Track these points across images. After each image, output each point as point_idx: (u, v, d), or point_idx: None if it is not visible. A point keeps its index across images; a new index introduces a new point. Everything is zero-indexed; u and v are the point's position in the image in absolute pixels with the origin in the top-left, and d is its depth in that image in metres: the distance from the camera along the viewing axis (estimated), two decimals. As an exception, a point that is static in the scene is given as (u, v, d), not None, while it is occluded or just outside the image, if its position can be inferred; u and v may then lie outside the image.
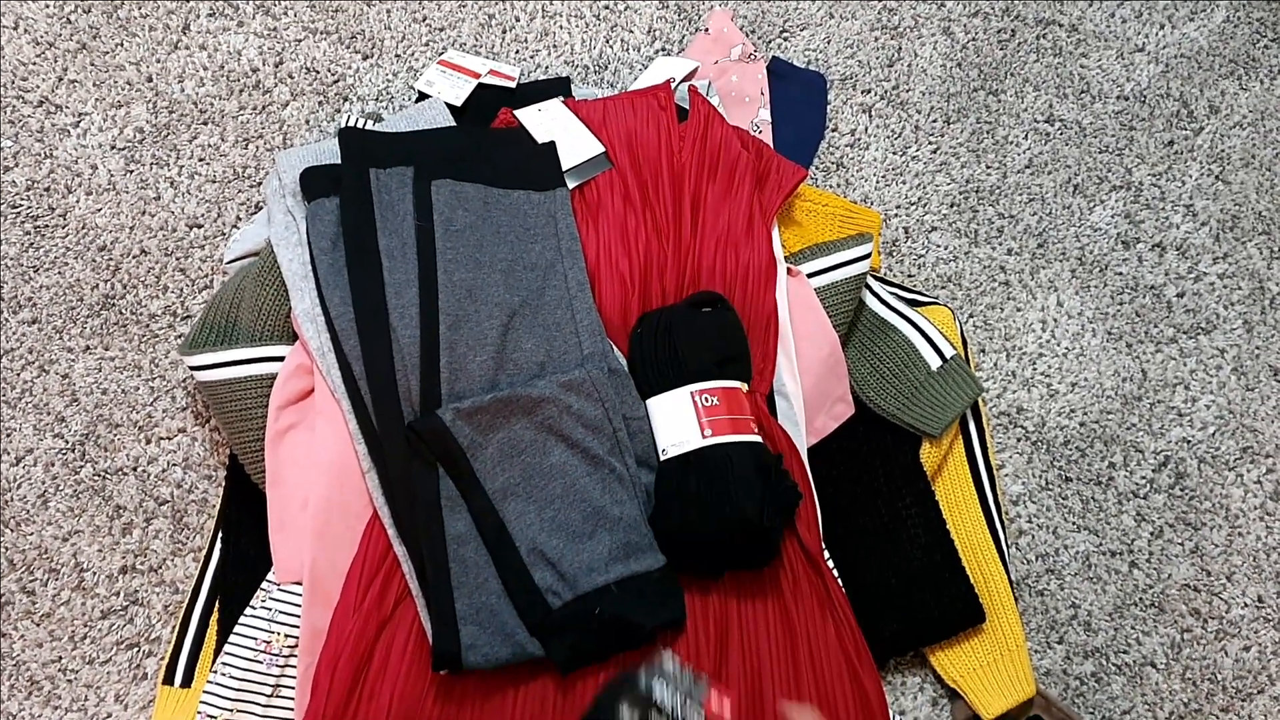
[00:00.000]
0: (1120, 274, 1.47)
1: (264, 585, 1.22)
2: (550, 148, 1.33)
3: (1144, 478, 1.38)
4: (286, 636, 1.19)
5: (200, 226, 1.42)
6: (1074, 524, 1.36)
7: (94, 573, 1.29)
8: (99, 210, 1.42)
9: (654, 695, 0.96)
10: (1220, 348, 1.44)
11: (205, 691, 1.18)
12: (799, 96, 1.51)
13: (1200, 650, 1.32)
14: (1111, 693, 1.30)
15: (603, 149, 1.34)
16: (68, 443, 1.33)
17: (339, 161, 1.30)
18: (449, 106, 1.43)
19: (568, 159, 1.33)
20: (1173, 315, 1.45)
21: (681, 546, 1.16)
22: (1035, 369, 1.42)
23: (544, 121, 1.36)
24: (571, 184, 1.32)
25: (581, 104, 1.39)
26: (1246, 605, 1.33)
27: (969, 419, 1.35)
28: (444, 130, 1.37)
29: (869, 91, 1.55)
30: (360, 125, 1.40)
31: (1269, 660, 1.31)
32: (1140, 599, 1.33)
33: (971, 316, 1.44)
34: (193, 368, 1.25)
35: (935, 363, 1.30)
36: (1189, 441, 1.40)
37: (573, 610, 1.12)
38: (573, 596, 1.13)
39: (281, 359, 1.25)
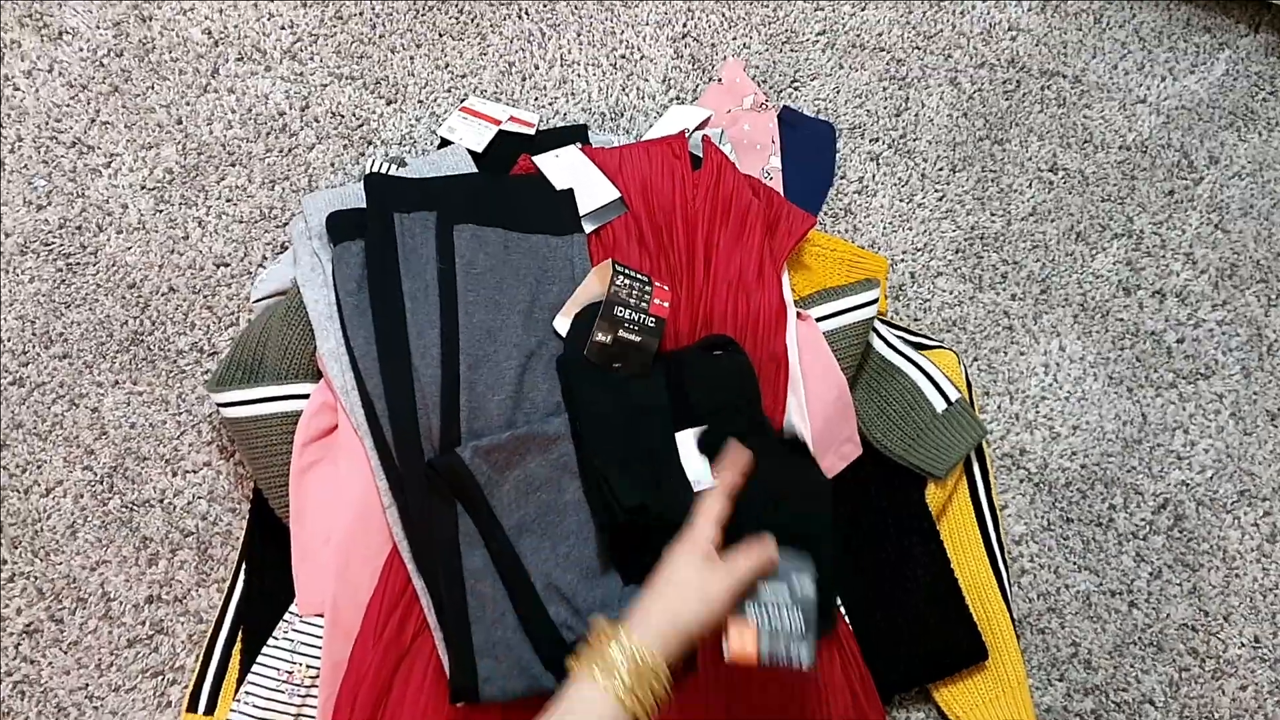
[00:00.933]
0: (1121, 320, 1.51)
1: (286, 617, 1.25)
2: (568, 194, 1.37)
3: (1143, 519, 1.41)
4: (308, 667, 1.22)
5: (227, 265, 1.46)
6: (1075, 564, 1.39)
7: (120, 602, 1.32)
8: (129, 249, 1.46)
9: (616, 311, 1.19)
10: (1219, 393, 1.48)
11: (229, 718, 1.22)
12: (809, 144, 1.55)
13: (1198, 689, 1.35)
14: (1111, 730, 1.33)
15: (618, 195, 1.38)
16: (96, 475, 1.36)
17: (363, 205, 1.35)
18: (470, 152, 1.47)
19: (585, 204, 1.37)
20: (1172, 360, 1.49)
21: None
22: (1038, 412, 1.45)
23: (562, 168, 1.40)
24: (588, 228, 1.36)
25: (598, 151, 1.43)
26: (1243, 645, 1.36)
27: (973, 460, 1.38)
28: (466, 176, 1.42)
29: (877, 140, 1.59)
30: (384, 169, 1.44)
31: (1265, 699, 1.34)
32: (1139, 638, 1.36)
33: (976, 360, 1.48)
34: (220, 404, 1.29)
35: (940, 406, 1.34)
36: (1188, 484, 1.43)
37: (587, 645, 1.16)
38: (586, 632, 1.16)
39: (306, 396, 1.29)
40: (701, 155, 1.44)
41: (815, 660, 0.96)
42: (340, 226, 1.33)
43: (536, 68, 1.60)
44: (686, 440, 1.23)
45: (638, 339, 1.25)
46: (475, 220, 1.32)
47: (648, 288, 1.27)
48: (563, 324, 1.27)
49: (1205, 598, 1.38)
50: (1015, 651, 1.30)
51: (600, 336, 1.24)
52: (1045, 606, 1.37)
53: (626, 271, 1.26)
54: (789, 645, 0.95)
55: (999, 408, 1.46)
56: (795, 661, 0.95)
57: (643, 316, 1.26)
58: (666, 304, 1.27)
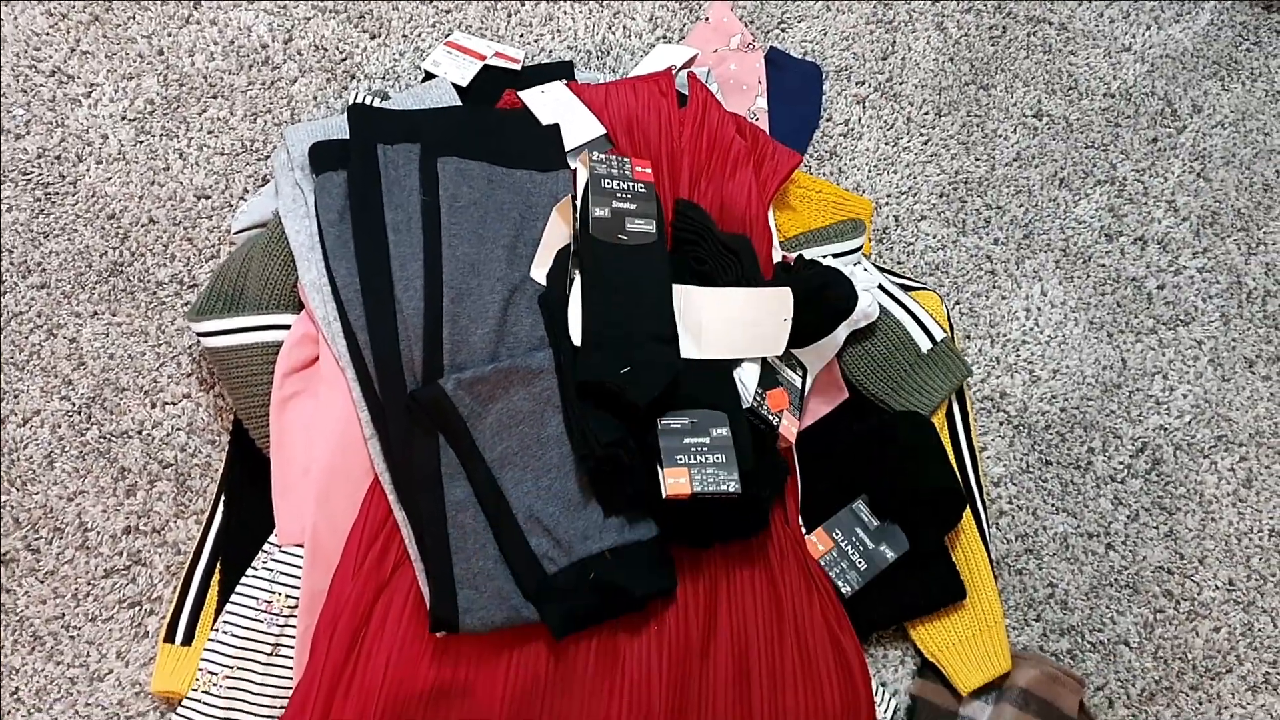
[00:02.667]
0: (1103, 266, 1.51)
1: (266, 547, 1.25)
2: (554, 129, 1.36)
3: (1121, 463, 1.42)
4: (287, 597, 1.22)
5: (208, 198, 1.45)
6: (1053, 506, 1.40)
7: (98, 532, 1.31)
8: (109, 179, 1.44)
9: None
10: (1198, 339, 1.48)
11: (206, 649, 1.21)
12: (795, 86, 1.55)
13: (1172, 630, 1.36)
14: (1086, 669, 1.34)
15: (604, 131, 1.37)
16: (74, 405, 1.35)
17: (346, 137, 1.34)
18: (454, 87, 1.46)
19: (570, 140, 1.36)
20: (1153, 307, 1.50)
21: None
22: (1019, 355, 1.46)
23: (548, 103, 1.39)
24: (573, 165, 1.35)
25: (584, 87, 1.42)
26: (1218, 588, 1.38)
27: (953, 403, 1.38)
28: (451, 109, 1.41)
29: (863, 83, 1.59)
30: (368, 103, 1.43)
31: (1238, 641, 1.36)
32: (1115, 580, 1.37)
33: (958, 304, 1.48)
34: (200, 334, 1.28)
35: (925, 345, 1.34)
36: (1166, 429, 1.44)
37: (568, 576, 1.16)
38: (568, 562, 1.16)
39: (287, 327, 1.28)
40: (687, 94, 1.43)
41: (740, 488, 1.15)
42: (323, 157, 1.32)
43: (522, 4, 1.59)
44: (748, 369, 1.25)
45: (633, 205, 1.26)
46: (459, 153, 1.31)
47: (625, 161, 1.30)
48: (540, 273, 1.27)
49: (1181, 541, 1.39)
50: (993, 591, 1.31)
51: (599, 211, 1.25)
52: (1023, 548, 1.38)
53: (596, 153, 1.30)
54: (717, 478, 1.14)
55: (980, 351, 1.46)
56: (724, 489, 1.14)
57: (631, 184, 1.28)
58: (648, 169, 1.31)
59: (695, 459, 1.15)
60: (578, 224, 1.26)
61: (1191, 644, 1.36)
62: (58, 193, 1.43)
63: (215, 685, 1.20)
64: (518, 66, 1.50)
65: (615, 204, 1.26)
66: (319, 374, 1.26)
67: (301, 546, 1.22)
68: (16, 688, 1.26)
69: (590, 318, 1.20)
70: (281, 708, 1.19)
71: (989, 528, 1.35)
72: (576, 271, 1.25)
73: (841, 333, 1.31)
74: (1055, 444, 1.43)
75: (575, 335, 1.21)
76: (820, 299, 1.25)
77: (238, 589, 1.23)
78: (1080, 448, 1.43)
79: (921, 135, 1.56)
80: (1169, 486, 1.42)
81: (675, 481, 1.13)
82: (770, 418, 1.23)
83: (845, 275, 1.28)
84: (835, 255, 1.36)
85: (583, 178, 1.28)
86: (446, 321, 1.21)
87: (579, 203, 1.27)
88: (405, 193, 1.28)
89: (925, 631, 1.31)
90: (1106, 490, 1.41)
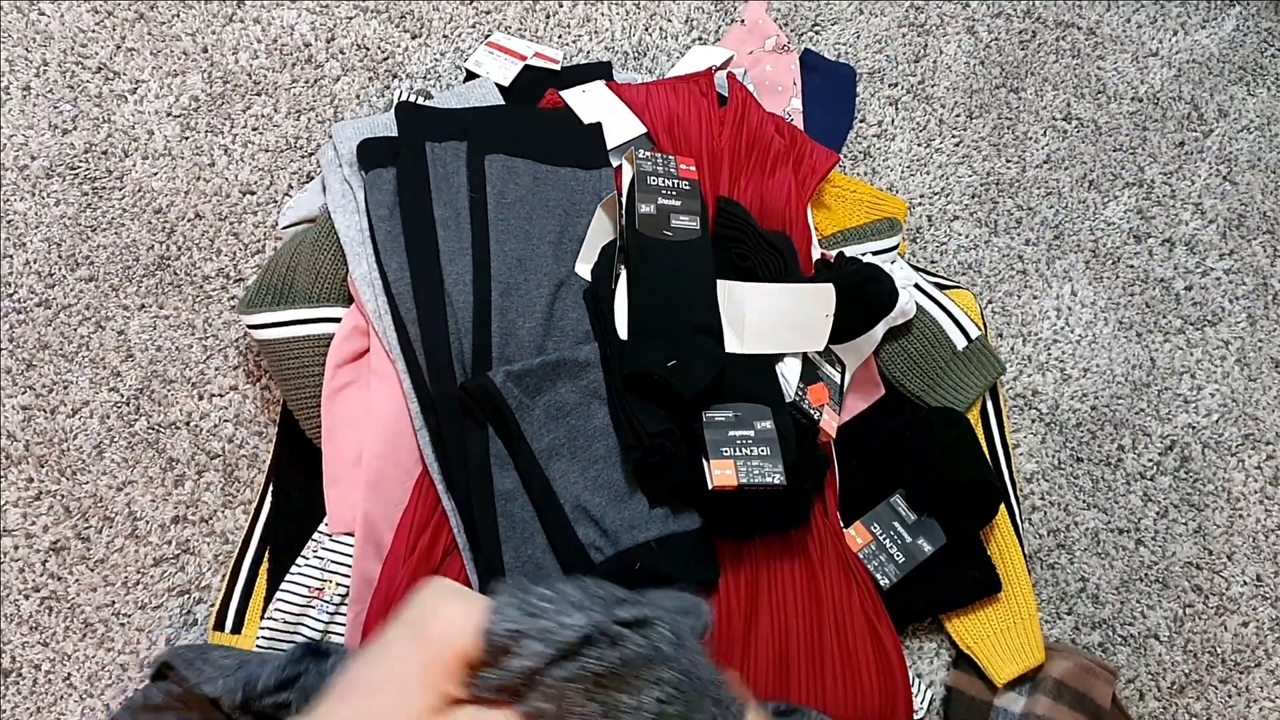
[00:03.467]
0: (1131, 266, 1.54)
1: (316, 535, 1.27)
2: (596, 128, 1.39)
3: (1151, 460, 1.45)
4: (337, 585, 1.24)
5: (253, 193, 1.47)
6: (1084, 502, 1.42)
7: (147, 522, 1.33)
8: (155, 174, 1.47)
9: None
10: (1225, 339, 1.51)
11: (260, 634, 1.23)
12: (829, 87, 1.57)
13: (1201, 625, 1.38)
14: (1117, 662, 1.36)
15: (645, 130, 1.39)
16: (123, 396, 1.37)
17: (391, 134, 1.36)
18: (497, 86, 1.48)
19: (612, 139, 1.38)
20: (1180, 307, 1.52)
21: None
22: (1050, 354, 1.48)
23: (589, 102, 1.41)
24: (615, 163, 1.37)
25: (625, 87, 1.45)
26: (1246, 583, 1.40)
27: (987, 400, 1.41)
28: (495, 108, 1.43)
29: (895, 85, 1.61)
30: (412, 101, 1.45)
31: (1266, 635, 1.38)
32: (1145, 574, 1.40)
33: (990, 303, 1.50)
34: (250, 326, 1.30)
35: (961, 343, 1.36)
36: (1194, 427, 1.46)
37: (614, 565, 1.18)
38: (614, 552, 1.18)
39: (337, 320, 1.30)
40: (726, 94, 1.46)
41: (785, 480, 1.16)
42: (372, 154, 1.34)
43: (560, 5, 1.61)
44: (790, 364, 1.27)
45: (678, 202, 1.29)
46: (505, 151, 1.33)
47: (670, 159, 1.33)
48: (584, 269, 1.29)
49: (1210, 537, 1.42)
50: (1027, 585, 1.33)
51: (644, 208, 1.27)
52: (1055, 542, 1.41)
53: (642, 150, 1.32)
54: (762, 470, 1.15)
55: (1012, 349, 1.49)
56: (769, 481, 1.15)
57: (676, 181, 1.31)
58: (692, 167, 1.34)
59: (740, 451, 1.17)
60: (623, 220, 1.28)
61: (1220, 638, 1.38)
62: (105, 187, 1.45)
63: (268, 671, 1.22)
64: (557, 67, 1.52)
65: (661, 200, 1.28)
66: (369, 366, 1.28)
67: (352, 535, 1.24)
68: (69, 674, 1.28)
69: (636, 311, 1.23)
70: (332, 693, 1.21)
71: (1022, 522, 1.37)
72: (622, 267, 1.27)
73: (880, 329, 1.33)
74: (1086, 441, 1.45)
75: (621, 329, 1.23)
76: (862, 295, 1.27)
77: (289, 576, 1.25)
78: (1110, 445, 1.45)
79: (954, 137, 1.58)
80: (1197, 484, 1.44)
81: (721, 473, 1.15)
82: (811, 412, 1.25)
83: (886, 272, 1.30)
84: (874, 253, 1.38)
85: (628, 174, 1.30)
86: (495, 315, 1.23)
87: (624, 199, 1.29)
88: (453, 189, 1.30)
89: (961, 624, 1.33)
90: (1136, 487, 1.43)
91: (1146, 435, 1.46)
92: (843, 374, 1.31)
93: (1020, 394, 1.47)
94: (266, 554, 1.30)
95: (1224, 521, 1.42)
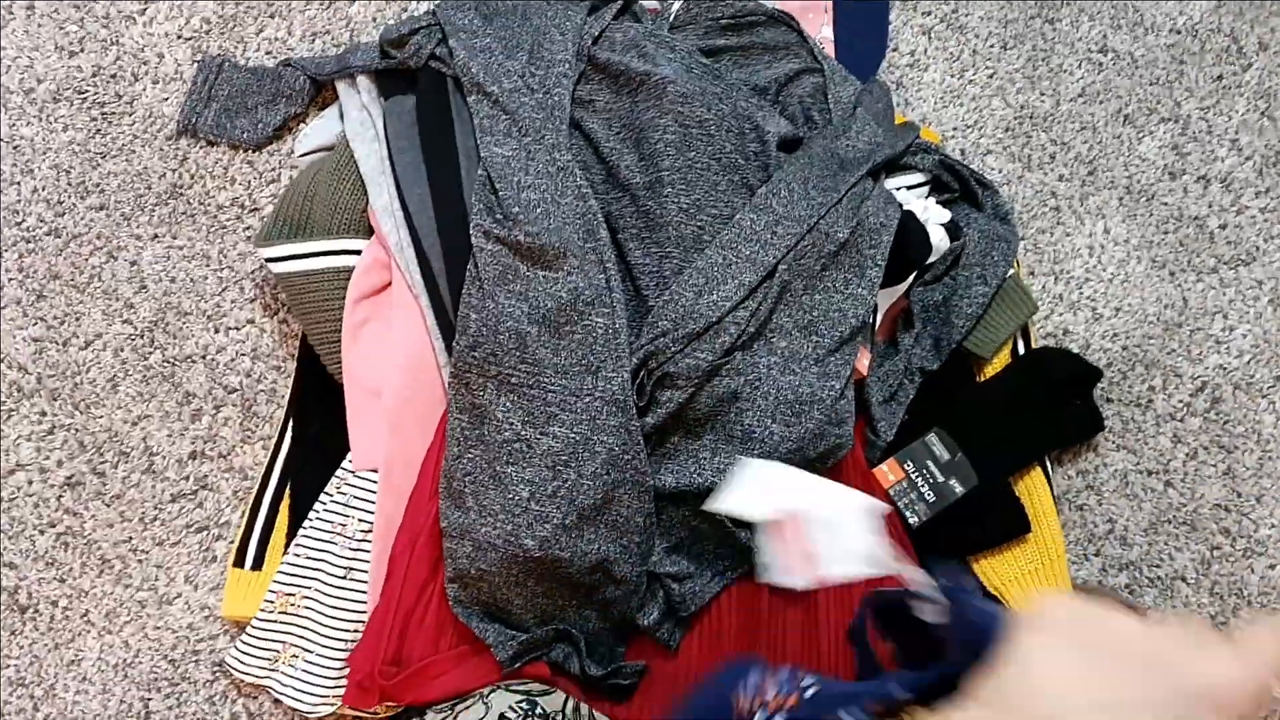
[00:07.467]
0: (1166, 204, 1.50)
1: (339, 472, 1.24)
2: None
3: (1181, 401, 1.42)
4: (360, 521, 1.22)
5: (267, 120, 1.42)
6: (1113, 443, 1.40)
7: (163, 457, 1.31)
8: (166, 100, 1.42)
9: None
10: (1259, 279, 1.48)
11: (280, 570, 1.22)
12: (861, 15, 1.53)
13: (1229, 567, 1.37)
14: (1144, 604, 1.35)
15: None
16: (136, 329, 1.34)
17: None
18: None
19: None
20: (1214, 246, 1.49)
21: None
22: (1081, 293, 1.46)
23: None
24: None
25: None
26: (1274, 526, 1.39)
27: (1018, 340, 1.39)
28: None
29: (929, 14, 1.56)
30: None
31: (1293, 579, 1.37)
32: (1173, 516, 1.38)
33: (1022, 240, 1.47)
34: (267, 259, 1.26)
35: (994, 281, 1.34)
36: (1225, 368, 1.44)
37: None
38: None
39: (357, 252, 1.27)
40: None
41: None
42: (391, 81, 1.30)
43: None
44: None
45: None
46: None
47: None
48: None
49: (1239, 479, 1.40)
50: (1055, 526, 1.32)
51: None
52: (1083, 484, 1.39)
53: None
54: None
55: (1044, 288, 1.46)
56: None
57: None
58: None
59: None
60: None
61: (1248, 581, 1.37)
62: (114, 112, 1.41)
63: (292, 605, 1.20)
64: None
65: None
66: (390, 300, 1.25)
67: (375, 472, 1.22)
68: (87, 610, 1.27)
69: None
70: (353, 630, 1.20)
71: (1051, 464, 1.36)
72: None
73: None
74: (1116, 381, 1.43)
75: None
76: (897, 246, 1.25)
77: (311, 514, 1.23)
78: (1141, 385, 1.43)
79: (987, 68, 1.54)
80: (1227, 425, 1.42)
81: None
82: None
83: (919, 221, 1.27)
84: (909, 188, 1.35)
85: None
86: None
87: None
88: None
89: (989, 565, 1.32)
90: (1166, 428, 1.41)
91: (1177, 376, 1.43)
92: (874, 314, 1.29)
93: (1051, 333, 1.44)
94: (287, 490, 1.28)
95: (1253, 464, 1.41)
